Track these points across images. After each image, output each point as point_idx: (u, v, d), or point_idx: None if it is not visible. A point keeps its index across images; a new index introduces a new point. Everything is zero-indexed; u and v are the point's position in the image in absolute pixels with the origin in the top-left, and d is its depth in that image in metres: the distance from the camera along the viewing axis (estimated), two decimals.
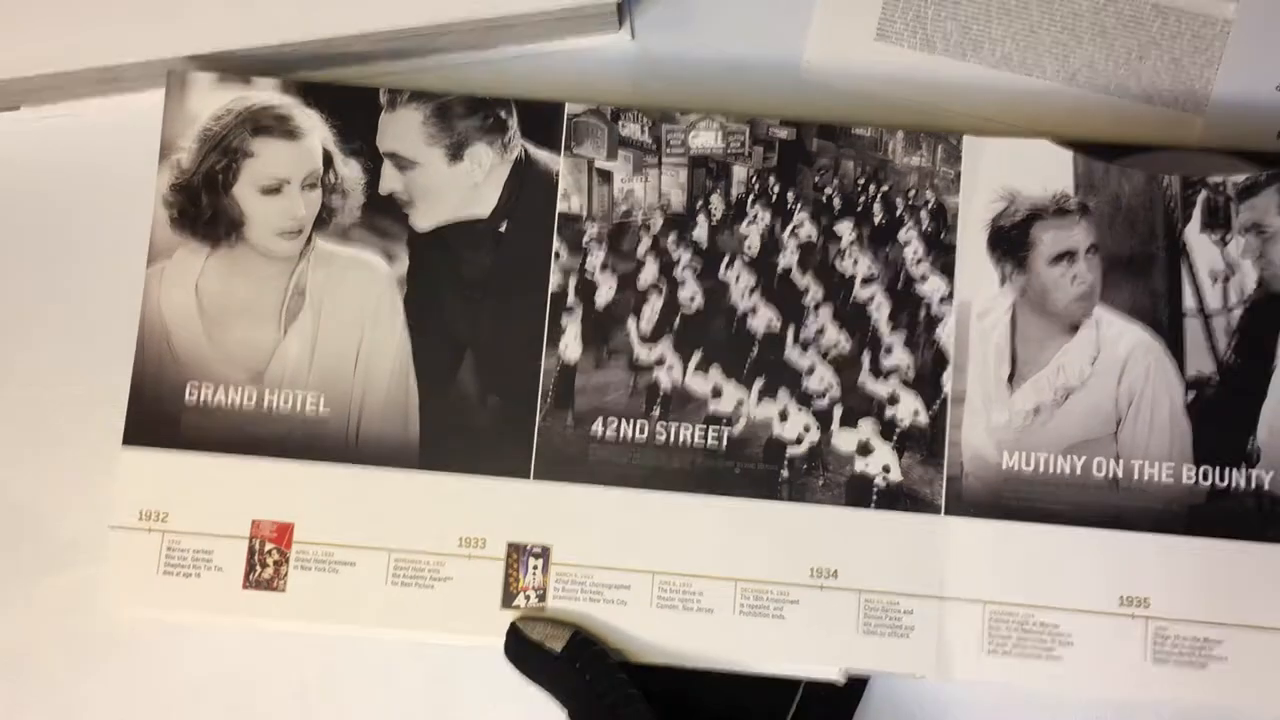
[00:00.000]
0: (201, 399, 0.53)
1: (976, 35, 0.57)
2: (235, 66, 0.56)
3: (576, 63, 0.58)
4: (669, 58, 0.58)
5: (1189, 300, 0.53)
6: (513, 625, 0.51)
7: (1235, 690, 0.50)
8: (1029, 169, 0.55)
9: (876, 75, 0.57)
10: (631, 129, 0.56)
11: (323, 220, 0.55)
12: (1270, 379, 0.52)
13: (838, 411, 0.54)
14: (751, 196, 0.56)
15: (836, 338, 0.55)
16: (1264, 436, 0.52)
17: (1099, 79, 0.56)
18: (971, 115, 0.56)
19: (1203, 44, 0.56)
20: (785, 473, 0.54)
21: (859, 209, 0.55)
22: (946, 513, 0.53)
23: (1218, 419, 0.52)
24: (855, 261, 0.55)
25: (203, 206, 0.54)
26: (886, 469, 0.53)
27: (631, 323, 0.55)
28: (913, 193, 0.55)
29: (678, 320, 0.55)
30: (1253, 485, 0.52)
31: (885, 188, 0.55)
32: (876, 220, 0.55)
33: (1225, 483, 0.52)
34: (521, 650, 0.51)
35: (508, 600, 0.52)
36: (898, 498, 0.53)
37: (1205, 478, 0.52)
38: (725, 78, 0.58)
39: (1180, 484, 0.52)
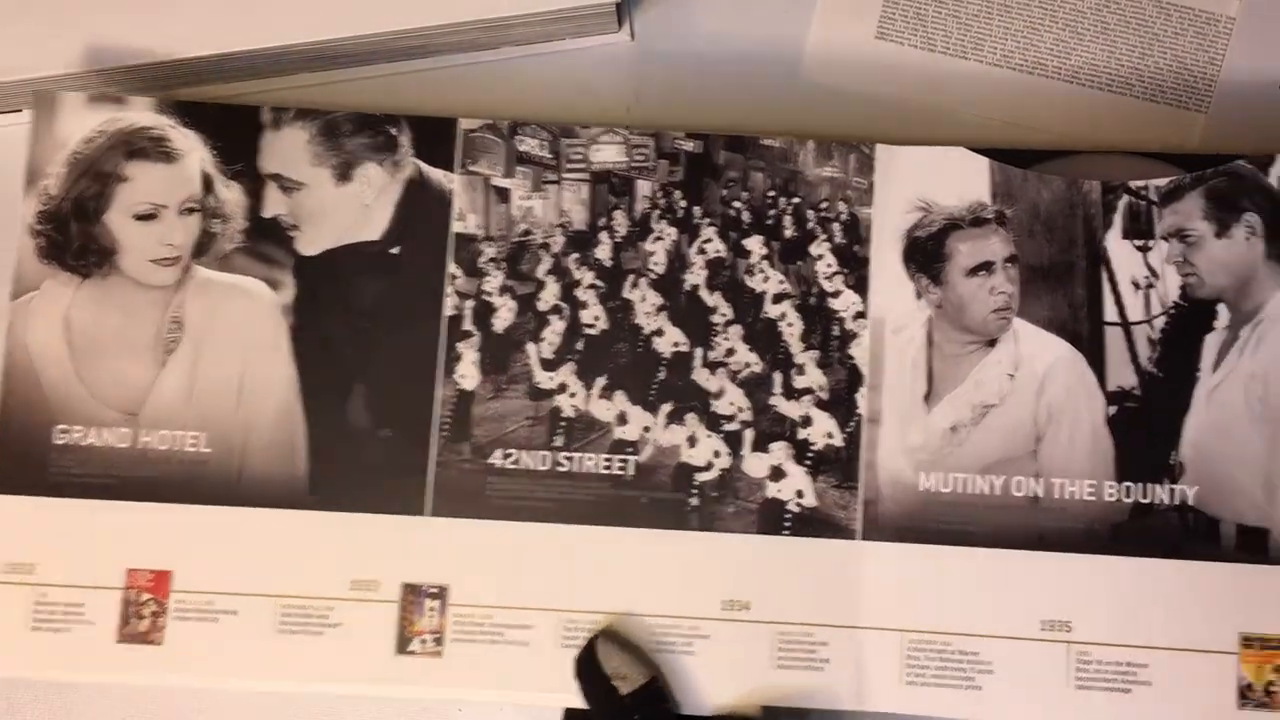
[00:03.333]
0: (71, 440, 0.52)
1: (977, 34, 0.57)
2: (232, 70, 0.57)
3: (576, 63, 0.58)
4: (669, 58, 0.58)
5: (1110, 310, 0.53)
6: (593, 640, 0.50)
7: (1160, 715, 0.50)
8: (944, 178, 0.54)
9: (877, 75, 0.58)
10: (530, 144, 0.55)
11: (202, 246, 0.54)
12: (1193, 390, 0.52)
13: (749, 435, 0.53)
14: (657, 212, 0.55)
15: (747, 358, 0.54)
16: (1187, 451, 0.51)
17: (1101, 77, 0.57)
18: (972, 115, 0.57)
19: (1205, 41, 0.56)
20: (695, 501, 0.53)
21: (769, 223, 0.55)
22: (863, 538, 0.53)
23: (1140, 433, 0.52)
24: (765, 278, 0.55)
25: (72, 235, 0.53)
26: (800, 494, 0.53)
27: (532, 348, 0.54)
28: (825, 205, 0.55)
29: (580, 344, 0.54)
30: (1176, 501, 0.51)
31: (796, 200, 0.55)
32: (787, 234, 0.55)
33: (1148, 499, 0.52)
34: (589, 674, 0.50)
35: (402, 645, 0.51)
36: (812, 524, 0.53)
37: (1128, 495, 0.52)
38: (725, 78, 0.58)
39: (1102, 501, 0.52)
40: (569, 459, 0.53)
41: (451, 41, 0.56)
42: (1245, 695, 0.50)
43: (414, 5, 0.55)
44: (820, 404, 0.54)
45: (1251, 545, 0.51)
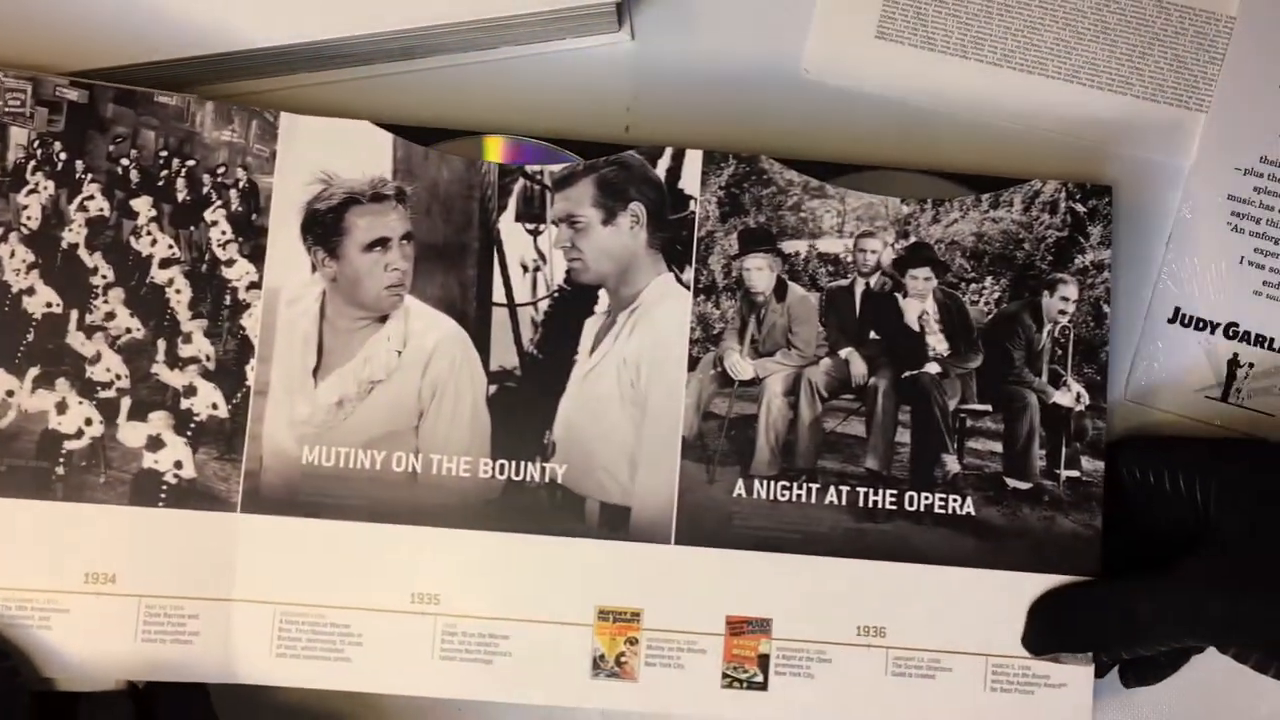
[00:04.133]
0: None
1: (977, 34, 0.57)
2: (231, 69, 0.55)
3: (576, 63, 0.58)
4: (669, 58, 0.58)
5: (499, 291, 0.54)
6: None
7: (518, 684, 0.53)
8: (348, 151, 0.54)
9: (877, 74, 0.58)
10: None
11: None
12: (570, 373, 0.54)
13: (126, 403, 0.52)
14: (33, 163, 0.52)
15: (128, 323, 0.52)
16: (559, 431, 0.54)
17: (1101, 77, 0.57)
18: (973, 114, 0.57)
19: (1206, 41, 0.57)
20: (61, 470, 0.51)
21: (160, 184, 0.53)
22: (243, 510, 0.52)
23: (517, 413, 0.54)
24: (154, 241, 0.53)
25: None
26: (179, 465, 0.52)
27: None
28: (222, 170, 0.54)
29: None
30: (546, 479, 0.53)
31: (191, 163, 0.53)
32: (180, 198, 0.53)
33: (520, 477, 0.53)
34: None
35: None
36: (190, 496, 0.52)
37: (501, 472, 0.53)
38: (725, 77, 0.58)
39: (477, 478, 0.53)
40: None
41: (451, 41, 0.56)
42: (598, 665, 0.53)
43: (414, 5, 0.54)
44: (206, 374, 0.53)
45: (613, 522, 0.54)
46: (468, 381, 0.54)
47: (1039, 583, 0.54)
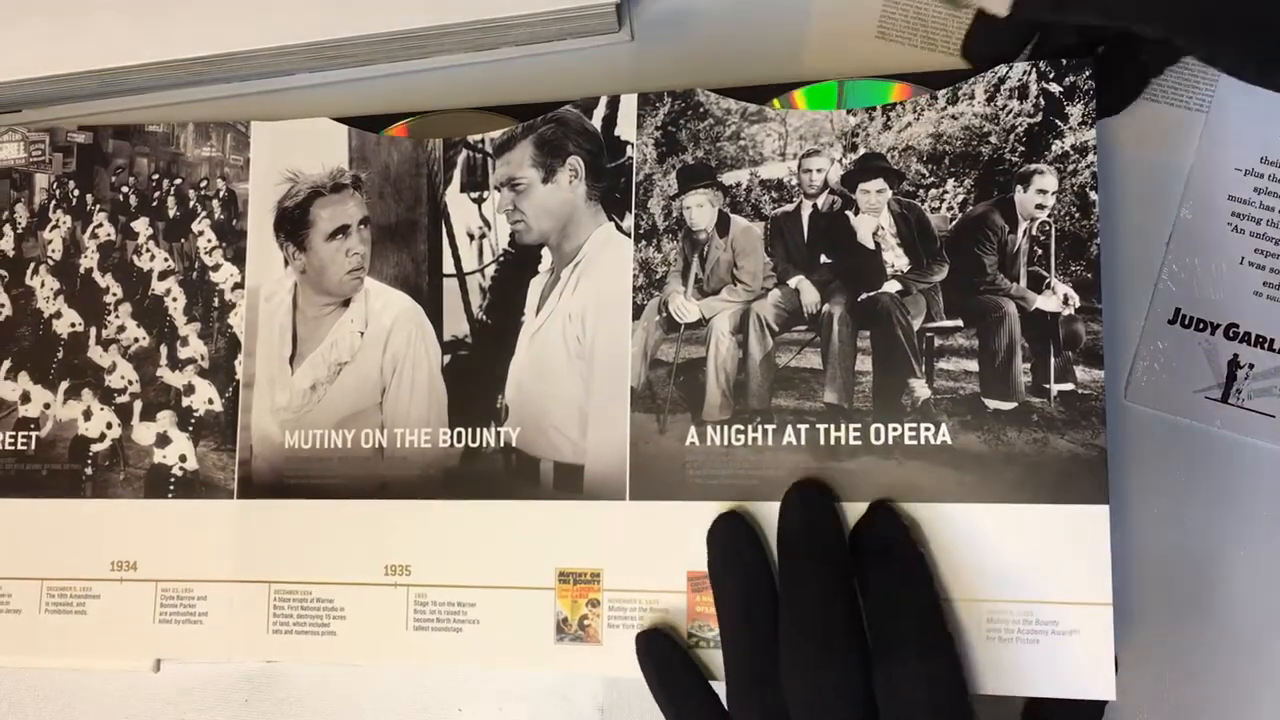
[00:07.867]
0: None
1: None
2: (221, 74, 0.62)
3: (576, 63, 0.62)
4: (669, 58, 0.62)
5: (448, 263, 0.58)
6: None
7: (487, 652, 0.55)
8: (309, 148, 0.61)
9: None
10: None
11: None
12: (518, 335, 0.57)
13: (138, 406, 0.61)
14: (53, 202, 0.63)
15: (136, 334, 0.61)
16: (511, 393, 0.56)
17: None
18: None
19: None
20: (89, 470, 0.61)
21: (154, 204, 0.62)
22: (238, 496, 0.59)
23: (471, 379, 0.58)
24: (152, 257, 0.62)
25: None
26: (183, 458, 0.60)
27: None
28: (204, 183, 0.62)
29: None
30: (501, 443, 0.56)
31: (178, 181, 0.62)
32: (171, 214, 0.62)
33: (477, 443, 0.57)
34: None
35: None
36: (194, 486, 0.60)
37: (459, 440, 0.57)
38: (725, 78, 0.61)
39: (437, 448, 0.57)
40: None
41: (451, 42, 0.60)
42: (561, 629, 0.55)
43: (414, 5, 0.58)
44: (202, 372, 0.61)
45: (567, 482, 0.55)
46: (423, 353, 0.58)
47: (1035, 515, 0.50)
